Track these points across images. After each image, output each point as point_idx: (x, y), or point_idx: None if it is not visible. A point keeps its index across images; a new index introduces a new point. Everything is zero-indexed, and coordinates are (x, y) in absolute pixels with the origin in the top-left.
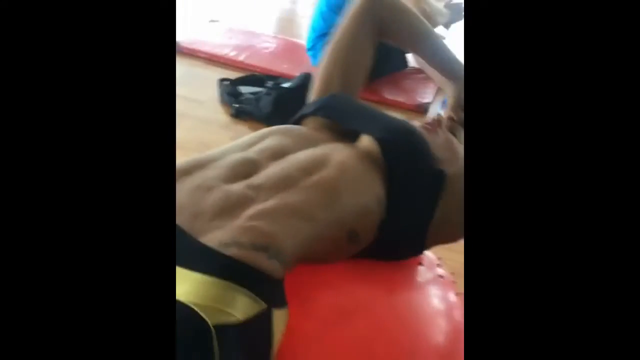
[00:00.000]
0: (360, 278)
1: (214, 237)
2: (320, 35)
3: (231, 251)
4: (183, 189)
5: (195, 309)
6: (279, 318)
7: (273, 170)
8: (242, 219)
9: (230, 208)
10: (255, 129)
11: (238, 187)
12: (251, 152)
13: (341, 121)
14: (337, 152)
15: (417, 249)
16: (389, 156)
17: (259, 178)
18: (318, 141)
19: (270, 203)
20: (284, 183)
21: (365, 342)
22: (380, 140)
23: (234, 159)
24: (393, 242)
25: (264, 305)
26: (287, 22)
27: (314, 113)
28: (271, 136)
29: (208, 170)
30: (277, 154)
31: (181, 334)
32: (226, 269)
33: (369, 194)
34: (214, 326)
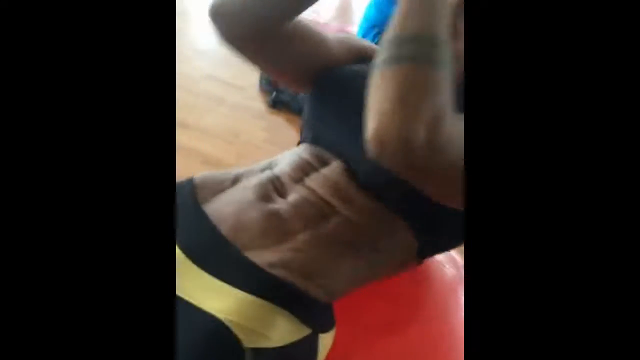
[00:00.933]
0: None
1: (260, 256)
2: (373, 25)
3: (278, 272)
4: (223, 199)
5: (232, 328)
6: (325, 340)
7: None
8: (284, 246)
9: (274, 231)
10: (290, 121)
11: (281, 206)
12: (272, 167)
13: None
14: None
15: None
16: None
17: (302, 197)
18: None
19: (315, 232)
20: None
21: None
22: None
23: (265, 179)
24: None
25: (307, 331)
26: (343, 10)
27: None
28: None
29: (246, 184)
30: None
31: (213, 352)
32: (271, 289)
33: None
34: (249, 348)
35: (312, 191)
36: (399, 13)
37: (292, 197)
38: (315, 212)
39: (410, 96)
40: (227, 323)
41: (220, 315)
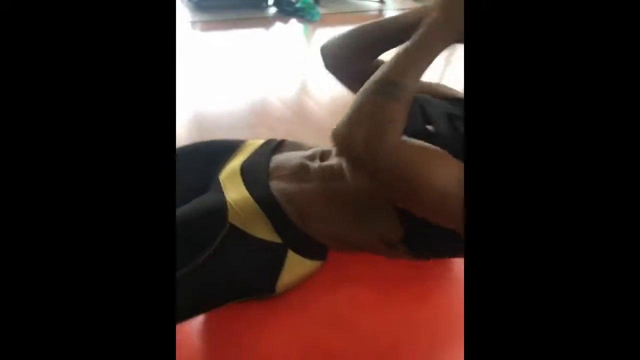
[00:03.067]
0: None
1: (276, 184)
2: None
3: (278, 196)
4: (291, 154)
5: (228, 206)
6: (298, 262)
7: (331, 159)
8: (299, 185)
9: (298, 174)
10: None
11: (304, 162)
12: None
13: None
14: None
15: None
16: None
17: (327, 165)
18: None
19: (328, 186)
20: (328, 175)
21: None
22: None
23: (313, 148)
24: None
25: (278, 240)
26: None
27: None
28: None
29: (303, 151)
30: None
31: (211, 211)
32: (265, 198)
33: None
34: (230, 223)
35: (340, 163)
36: (393, 61)
37: (325, 162)
38: (331, 174)
39: (366, 117)
40: (228, 203)
41: (229, 199)
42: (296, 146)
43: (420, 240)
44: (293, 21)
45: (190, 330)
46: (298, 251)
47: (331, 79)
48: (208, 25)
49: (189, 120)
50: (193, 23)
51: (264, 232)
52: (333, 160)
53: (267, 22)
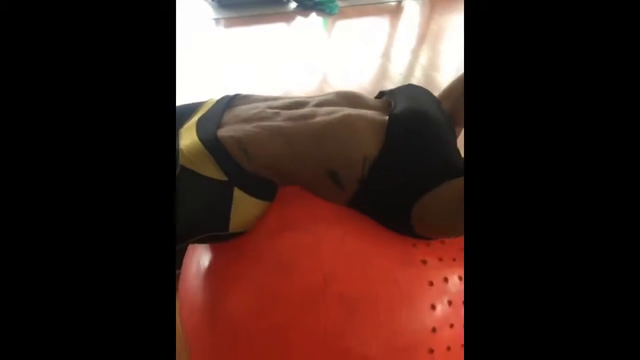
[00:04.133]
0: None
1: (226, 128)
2: None
3: (223, 139)
4: (240, 107)
5: (181, 152)
6: (245, 200)
7: (300, 110)
8: (249, 126)
9: (250, 118)
10: None
11: (269, 109)
12: (310, 99)
13: (389, 96)
14: (353, 111)
15: (402, 222)
16: (389, 129)
17: (286, 109)
18: (358, 105)
19: (272, 123)
20: (293, 117)
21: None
22: (390, 115)
23: (293, 99)
24: (375, 202)
25: (224, 177)
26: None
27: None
28: (335, 94)
29: (277, 101)
30: (322, 103)
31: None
32: (210, 141)
33: (356, 148)
34: (181, 165)
35: (311, 110)
36: None
37: (299, 110)
38: (300, 117)
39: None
40: (180, 149)
41: (181, 145)
42: (251, 98)
43: (375, 193)
44: (313, 15)
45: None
46: (244, 188)
47: (351, 70)
48: (231, 22)
49: None
50: (217, 20)
51: (211, 171)
52: (309, 107)
53: (287, 16)
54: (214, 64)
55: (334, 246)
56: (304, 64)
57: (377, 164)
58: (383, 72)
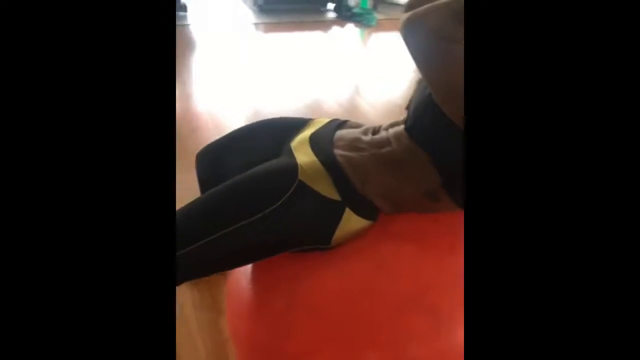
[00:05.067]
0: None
1: (338, 151)
2: None
3: (339, 158)
4: (344, 131)
5: (299, 167)
6: (352, 219)
7: (377, 137)
8: (356, 153)
9: (354, 144)
10: None
11: (360, 136)
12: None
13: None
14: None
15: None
16: (410, 136)
17: (378, 137)
18: None
19: (375, 151)
20: (375, 144)
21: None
22: (405, 126)
23: (368, 126)
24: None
25: (337, 197)
26: None
27: None
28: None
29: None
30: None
31: (285, 169)
32: (329, 161)
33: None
34: (300, 180)
35: (387, 133)
36: None
37: (377, 135)
38: (380, 143)
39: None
40: (299, 165)
41: (299, 161)
42: (356, 125)
43: (455, 181)
44: (350, 25)
45: (244, 279)
46: (354, 209)
47: (384, 82)
48: (270, 27)
49: (247, 117)
50: (256, 25)
51: (327, 189)
52: (382, 133)
53: (325, 25)
54: (251, 68)
55: (436, 259)
56: (337, 73)
57: (437, 163)
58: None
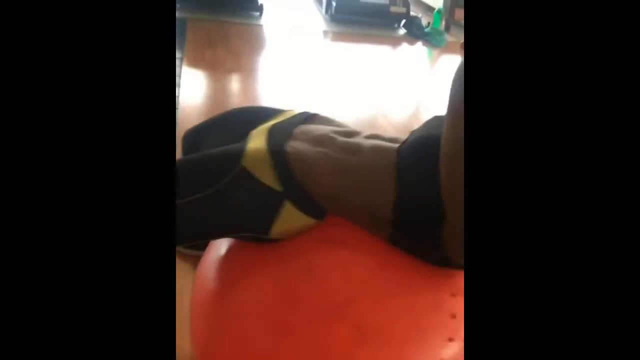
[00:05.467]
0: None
1: (296, 142)
2: None
3: (289, 149)
4: (313, 125)
5: (244, 151)
6: (293, 214)
7: (350, 139)
8: (315, 147)
9: (321, 140)
10: None
11: (331, 135)
12: (359, 130)
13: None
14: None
15: (435, 251)
16: (398, 164)
17: (346, 137)
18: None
19: (334, 154)
20: (345, 147)
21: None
22: (398, 151)
23: (347, 127)
24: (408, 238)
25: (278, 187)
26: None
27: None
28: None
29: (330, 126)
30: (372, 136)
31: (223, 156)
32: (277, 151)
33: (385, 192)
34: (242, 165)
35: (363, 142)
36: None
37: (351, 139)
38: (349, 148)
39: None
40: (245, 151)
41: (248, 147)
42: (327, 121)
43: (404, 229)
44: (419, 44)
45: (202, 274)
46: (295, 203)
47: (444, 108)
48: (339, 36)
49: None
50: (325, 32)
51: (269, 179)
52: (357, 139)
53: (395, 41)
54: (313, 74)
55: (366, 272)
56: (400, 91)
57: (399, 202)
58: None
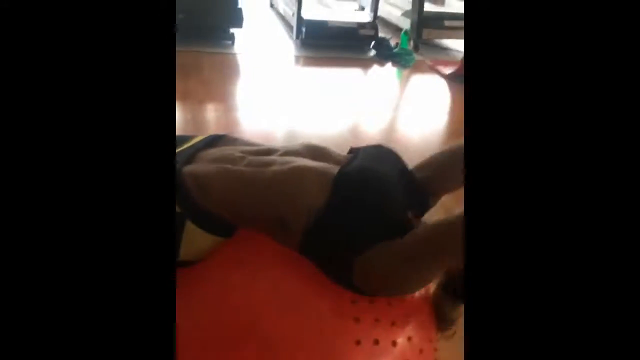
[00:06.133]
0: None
1: (195, 166)
2: None
3: (185, 171)
4: (217, 148)
5: None
6: (196, 233)
7: (264, 158)
8: (212, 166)
9: (218, 159)
10: None
11: (238, 153)
12: (280, 148)
13: (355, 153)
14: (307, 162)
15: (343, 275)
16: (336, 183)
17: (254, 155)
18: (321, 158)
19: (234, 167)
20: (254, 163)
21: None
22: (340, 170)
23: (265, 147)
24: (318, 252)
25: (178, 209)
26: None
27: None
28: (303, 146)
29: (252, 147)
30: (287, 153)
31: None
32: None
33: (301, 198)
34: None
35: (277, 159)
36: None
37: (265, 157)
38: (261, 163)
39: None
40: None
41: None
42: (236, 141)
43: (317, 247)
44: (389, 65)
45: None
46: (196, 222)
47: (419, 122)
48: (310, 61)
49: (283, 138)
50: (297, 58)
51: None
52: (274, 156)
53: (365, 63)
54: (287, 98)
55: (269, 288)
56: (371, 111)
57: (322, 216)
58: (446, 130)
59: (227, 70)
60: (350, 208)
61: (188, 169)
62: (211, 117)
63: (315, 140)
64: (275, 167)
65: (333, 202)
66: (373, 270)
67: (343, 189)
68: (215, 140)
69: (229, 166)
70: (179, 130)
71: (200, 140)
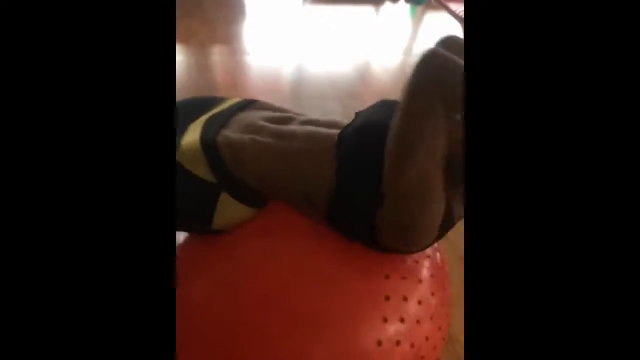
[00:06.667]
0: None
1: (228, 131)
2: None
3: (220, 139)
4: (246, 113)
5: (179, 149)
6: (230, 204)
7: (283, 127)
8: (247, 134)
9: (251, 127)
10: None
11: (263, 122)
12: (298, 116)
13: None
14: (323, 131)
15: (368, 234)
16: (338, 148)
17: (273, 123)
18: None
19: (263, 139)
20: (276, 133)
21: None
22: (339, 135)
23: (285, 113)
24: (342, 219)
25: (212, 179)
26: None
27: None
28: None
29: (274, 113)
30: (309, 122)
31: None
32: (207, 142)
33: (322, 172)
34: (178, 161)
35: (297, 128)
36: None
37: (285, 126)
38: (284, 135)
39: None
40: (180, 146)
41: (183, 141)
42: (267, 106)
43: (340, 212)
44: (402, 2)
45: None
46: (230, 192)
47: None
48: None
49: (294, 75)
50: None
51: (202, 171)
52: (293, 125)
53: (376, 0)
54: (295, 38)
55: (298, 259)
56: (384, 49)
57: (336, 180)
58: None
59: (232, 9)
60: (354, 167)
61: (223, 137)
62: (215, 61)
63: (322, 81)
64: (298, 143)
65: (340, 166)
66: (393, 221)
67: (344, 151)
68: (246, 106)
69: (258, 137)
70: (180, 77)
71: (234, 104)
